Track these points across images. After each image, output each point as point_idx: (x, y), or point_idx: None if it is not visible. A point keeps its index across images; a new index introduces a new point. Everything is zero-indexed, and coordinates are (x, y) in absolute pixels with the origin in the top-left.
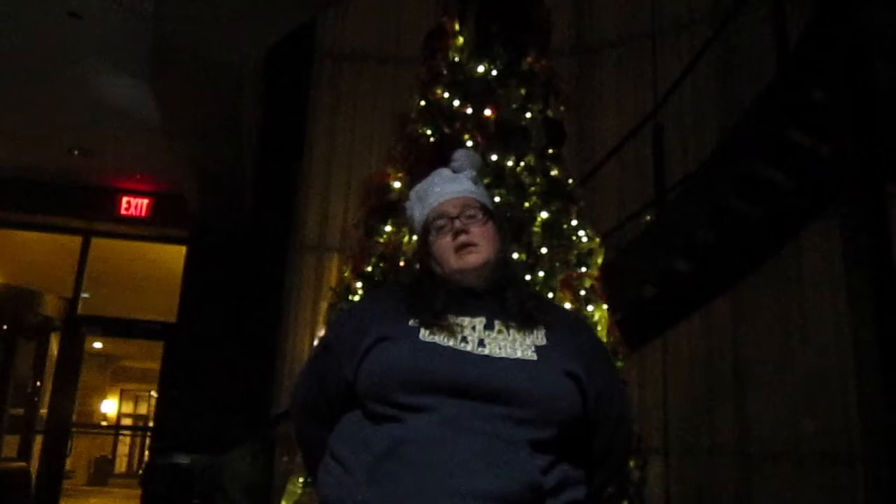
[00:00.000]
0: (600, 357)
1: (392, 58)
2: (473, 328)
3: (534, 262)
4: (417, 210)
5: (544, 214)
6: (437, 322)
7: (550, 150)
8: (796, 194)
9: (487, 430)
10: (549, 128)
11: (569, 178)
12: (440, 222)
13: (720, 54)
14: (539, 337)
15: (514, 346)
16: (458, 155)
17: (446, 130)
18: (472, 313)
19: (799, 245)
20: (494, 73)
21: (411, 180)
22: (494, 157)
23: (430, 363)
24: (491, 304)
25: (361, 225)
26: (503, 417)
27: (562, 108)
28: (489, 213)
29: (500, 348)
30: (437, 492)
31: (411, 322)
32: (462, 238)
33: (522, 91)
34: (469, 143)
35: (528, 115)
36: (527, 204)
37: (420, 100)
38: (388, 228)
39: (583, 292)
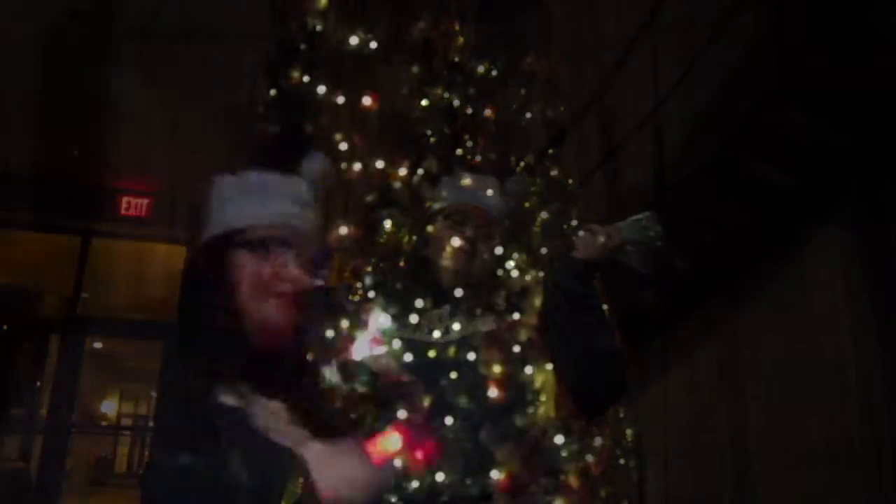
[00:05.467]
0: None
1: (392, 58)
2: (440, 319)
3: (534, 262)
4: (447, 190)
5: (544, 214)
6: (410, 318)
7: (550, 151)
8: (796, 194)
9: (463, 405)
10: (549, 128)
11: (569, 178)
12: (458, 218)
13: (720, 54)
14: (500, 301)
15: (476, 322)
16: (513, 185)
17: (446, 130)
18: (440, 304)
19: (799, 245)
20: (494, 73)
21: (411, 180)
22: (494, 157)
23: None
24: (455, 295)
25: (361, 225)
26: (475, 388)
27: (562, 108)
28: (497, 237)
29: (464, 328)
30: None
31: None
32: (465, 246)
33: (522, 91)
34: (469, 143)
35: (528, 115)
36: (527, 204)
37: (420, 100)
38: (387, 228)
39: None
